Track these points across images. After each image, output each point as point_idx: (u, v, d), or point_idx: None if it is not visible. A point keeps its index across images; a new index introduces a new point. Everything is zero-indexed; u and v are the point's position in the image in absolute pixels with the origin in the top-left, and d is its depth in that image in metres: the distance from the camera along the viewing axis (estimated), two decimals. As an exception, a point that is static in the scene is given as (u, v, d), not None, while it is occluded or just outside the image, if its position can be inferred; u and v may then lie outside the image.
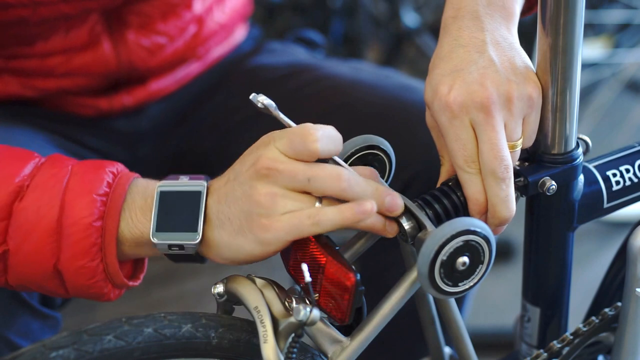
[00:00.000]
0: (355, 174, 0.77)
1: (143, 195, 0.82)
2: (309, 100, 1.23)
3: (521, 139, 0.81)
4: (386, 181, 0.84)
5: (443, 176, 0.84)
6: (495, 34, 0.82)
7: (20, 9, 1.00)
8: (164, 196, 0.81)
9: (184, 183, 0.81)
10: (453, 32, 0.83)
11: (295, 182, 0.76)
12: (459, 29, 0.82)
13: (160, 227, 0.80)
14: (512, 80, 0.79)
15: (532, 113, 0.81)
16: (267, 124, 1.21)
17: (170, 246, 0.80)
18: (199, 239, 0.79)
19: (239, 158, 0.81)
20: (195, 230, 0.79)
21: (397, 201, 0.77)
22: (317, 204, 0.77)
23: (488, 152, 0.77)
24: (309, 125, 0.76)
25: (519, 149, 0.81)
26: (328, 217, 0.75)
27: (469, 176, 0.79)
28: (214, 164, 1.29)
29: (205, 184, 0.81)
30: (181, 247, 0.80)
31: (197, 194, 0.80)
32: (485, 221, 0.79)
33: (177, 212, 0.80)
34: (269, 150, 0.77)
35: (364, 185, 0.77)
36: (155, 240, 0.80)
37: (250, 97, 0.76)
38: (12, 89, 1.12)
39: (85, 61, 1.11)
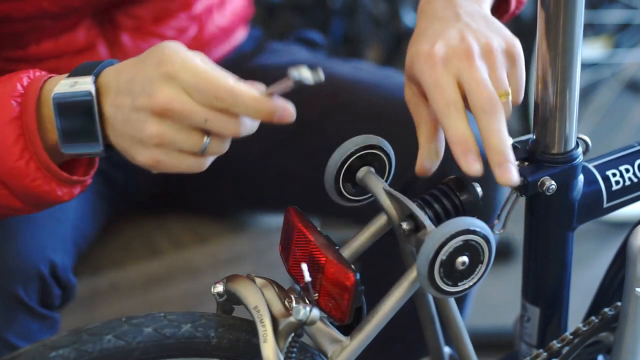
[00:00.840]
0: (252, 102, 0.78)
1: (48, 102, 0.82)
2: (310, 100, 1.23)
3: (509, 93, 0.80)
4: (386, 181, 0.84)
5: (422, 143, 0.82)
6: (469, 8, 0.83)
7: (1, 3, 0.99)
8: (60, 107, 0.81)
9: (74, 90, 0.80)
10: (428, 12, 0.84)
11: (191, 122, 0.77)
12: (434, 9, 0.84)
13: (66, 138, 0.81)
14: (490, 34, 0.80)
15: (516, 66, 0.81)
16: (266, 125, 1.21)
17: (82, 154, 0.83)
18: (103, 148, 0.81)
19: (136, 58, 0.82)
20: (96, 140, 0.81)
21: (288, 113, 0.80)
22: (206, 139, 0.78)
23: (475, 89, 0.77)
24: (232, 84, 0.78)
25: (509, 101, 0.80)
26: (166, 165, 0.79)
27: (450, 118, 0.77)
28: (214, 169, 1.28)
29: (92, 88, 0.80)
30: (92, 154, 0.82)
31: (89, 102, 0.80)
32: (471, 165, 0.76)
33: (76, 121, 0.81)
34: (169, 88, 0.76)
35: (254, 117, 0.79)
36: (65, 152, 0.82)
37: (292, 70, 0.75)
38: None
39: None
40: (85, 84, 0.80)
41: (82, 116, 0.80)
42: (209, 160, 0.81)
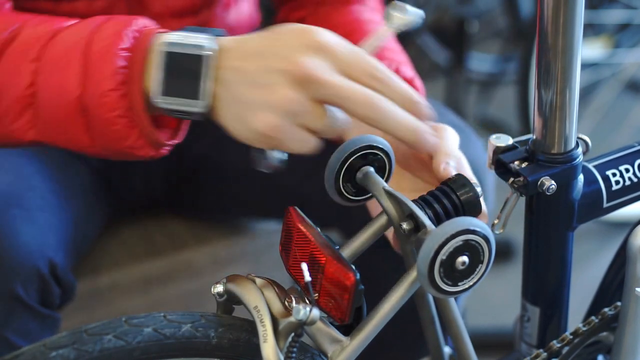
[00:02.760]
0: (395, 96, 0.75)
1: (156, 54, 0.78)
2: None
3: None
4: (386, 181, 0.84)
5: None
6: None
7: None
8: (168, 55, 0.77)
9: (192, 42, 0.76)
10: None
11: (326, 96, 0.74)
12: None
13: (168, 88, 0.77)
14: None
15: None
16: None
17: (175, 111, 0.78)
18: (203, 110, 0.77)
19: (260, 33, 0.78)
20: (197, 98, 0.76)
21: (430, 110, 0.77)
22: (331, 120, 0.75)
23: None
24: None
25: None
26: (281, 134, 0.75)
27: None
28: (209, 170, 1.28)
29: (215, 45, 0.76)
30: (187, 113, 0.77)
31: (200, 59, 0.76)
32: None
33: (183, 74, 0.77)
34: (316, 57, 0.74)
35: (400, 120, 0.75)
36: (158, 104, 0.77)
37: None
38: None
39: None
40: (206, 40, 0.76)
41: (192, 71, 0.76)
42: (317, 143, 0.77)
